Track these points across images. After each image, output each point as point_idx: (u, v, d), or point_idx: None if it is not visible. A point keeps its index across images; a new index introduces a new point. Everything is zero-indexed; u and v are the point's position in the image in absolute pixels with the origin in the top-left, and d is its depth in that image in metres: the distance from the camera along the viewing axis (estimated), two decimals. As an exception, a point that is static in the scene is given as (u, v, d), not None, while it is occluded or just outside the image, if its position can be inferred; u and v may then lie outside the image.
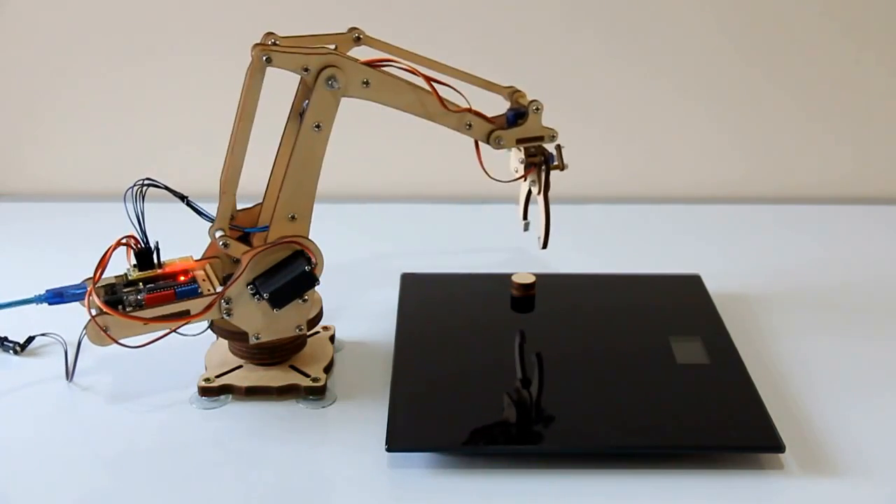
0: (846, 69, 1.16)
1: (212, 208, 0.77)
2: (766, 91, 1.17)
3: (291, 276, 0.74)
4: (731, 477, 0.70)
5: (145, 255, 0.76)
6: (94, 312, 0.73)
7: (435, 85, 0.77)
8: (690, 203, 1.18)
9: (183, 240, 0.78)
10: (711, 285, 0.93)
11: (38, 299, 0.76)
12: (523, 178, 0.84)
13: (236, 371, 0.79)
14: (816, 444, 0.73)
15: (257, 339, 0.77)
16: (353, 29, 0.80)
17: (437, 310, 0.89)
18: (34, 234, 1.08)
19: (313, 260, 0.75)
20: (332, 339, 0.84)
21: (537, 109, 0.81)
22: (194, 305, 0.74)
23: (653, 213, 1.16)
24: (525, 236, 0.88)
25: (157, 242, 0.77)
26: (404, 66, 0.77)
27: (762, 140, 1.20)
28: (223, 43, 1.14)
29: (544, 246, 0.85)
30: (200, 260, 0.79)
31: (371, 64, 0.76)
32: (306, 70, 0.73)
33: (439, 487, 0.69)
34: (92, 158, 1.20)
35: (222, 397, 0.78)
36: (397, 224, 1.12)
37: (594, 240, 1.09)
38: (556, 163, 0.83)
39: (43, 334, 0.84)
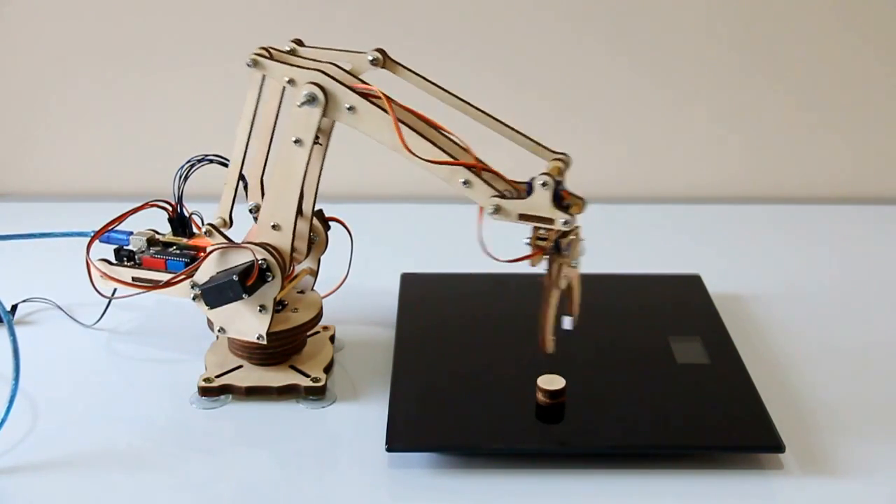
0: (846, 69, 1.16)
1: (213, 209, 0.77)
2: (765, 91, 1.17)
3: (220, 281, 0.73)
4: (731, 477, 0.70)
5: (176, 222, 0.81)
6: (91, 257, 0.79)
7: (446, 131, 0.71)
8: (690, 203, 1.18)
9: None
10: (711, 285, 0.93)
11: (92, 233, 0.80)
12: (531, 263, 0.71)
13: (236, 371, 0.79)
14: (816, 444, 0.73)
15: (221, 332, 0.77)
16: (374, 50, 0.76)
17: (437, 310, 0.89)
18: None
19: (269, 275, 0.74)
20: (332, 339, 0.84)
21: (544, 185, 0.68)
22: (167, 278, 0.77)
23: (653, 213, 1.16)
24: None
25: (192, 214, 0.81)
26: (405, 107, 0.71)
27: (762, 140, 1.20)
28: (228, 47, 1.14)
29: (540, 347, 0.74)
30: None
31: (365, 92, 0.71)
32: (291, 83, 0.72)
33: (439, 487, 0.69)
34: (92, 158, 1.20)
35: (222, 397, 0.78)
36: (397, 224, 1.12)
37: (594, 240, 1.08)
38: (566, 255, 0.71)
39: (25, 300, 0.86)
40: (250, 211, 0.80)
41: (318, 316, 0.80)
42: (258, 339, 0.76)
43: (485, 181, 0.70)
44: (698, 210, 1.16)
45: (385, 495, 0.69)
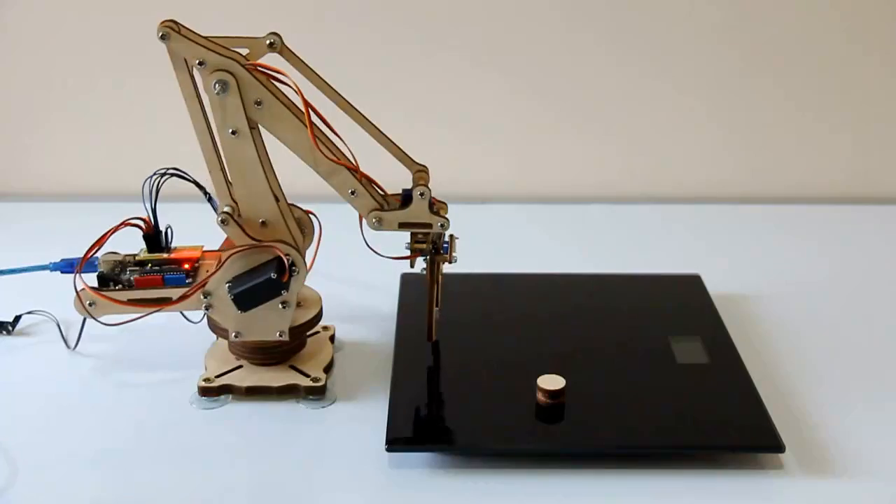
0: (846, 68, 1.16)
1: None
2: (766, 91, 1.17)
3: (256, 281, 0.73)
4: (731, 477, 0.70)
5: (153, 238, 0.78)
6: (79, 287, 0.75)
7: (323, 135, 0.73)
8: (690, 203, 1.18)
9: (199, 238, 0.80)
10: (711, 285, 0.93)
11: (52, 266, 0.79)
12: (410, 264, 0.79)
13: (236, 371, 0.79)
14: (816, 444, 0.73)
15: (237, 336, 0.76)
16: (271, 34, 0.76)
17: (437, 310, 0.89)
18: (34, 234, 1.08)
19: (294, 269, 0.74)
20: (332, 339, 0.84)
21: (422, 195, 0.74)
22: (177, 293, 0.75)
23: (653, 213, 1.15)
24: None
25: (167, 227, 0.79)
26: (304, 100, 0.72)
27: (762, 140, 1.20)
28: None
29: (429, 339, 0.81)
30: (211, 251, 0.79)
31: (271, 77, 0.71)
32: (202, 64, 0.71)
33: (439, 487, 0.69)
34: (92, 158, 1.20)
35: (222, 397, 0.78)
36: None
37: (594, 240, 1.09)
38: (445, 254, 0.78)
39: (29, 312, 0.86)
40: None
41: (318, 316, 0.80)
42: (280, 335, 0.76)
43: (369, 193, 0.75)
44: (698, 210, 1.16)
45: (385, 495, 0.69)
